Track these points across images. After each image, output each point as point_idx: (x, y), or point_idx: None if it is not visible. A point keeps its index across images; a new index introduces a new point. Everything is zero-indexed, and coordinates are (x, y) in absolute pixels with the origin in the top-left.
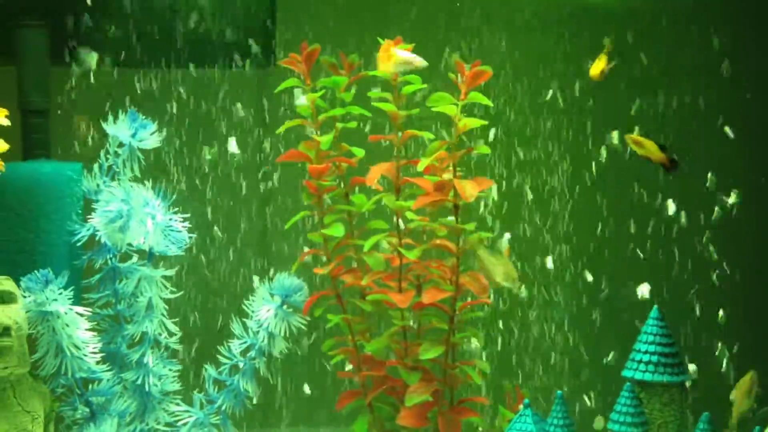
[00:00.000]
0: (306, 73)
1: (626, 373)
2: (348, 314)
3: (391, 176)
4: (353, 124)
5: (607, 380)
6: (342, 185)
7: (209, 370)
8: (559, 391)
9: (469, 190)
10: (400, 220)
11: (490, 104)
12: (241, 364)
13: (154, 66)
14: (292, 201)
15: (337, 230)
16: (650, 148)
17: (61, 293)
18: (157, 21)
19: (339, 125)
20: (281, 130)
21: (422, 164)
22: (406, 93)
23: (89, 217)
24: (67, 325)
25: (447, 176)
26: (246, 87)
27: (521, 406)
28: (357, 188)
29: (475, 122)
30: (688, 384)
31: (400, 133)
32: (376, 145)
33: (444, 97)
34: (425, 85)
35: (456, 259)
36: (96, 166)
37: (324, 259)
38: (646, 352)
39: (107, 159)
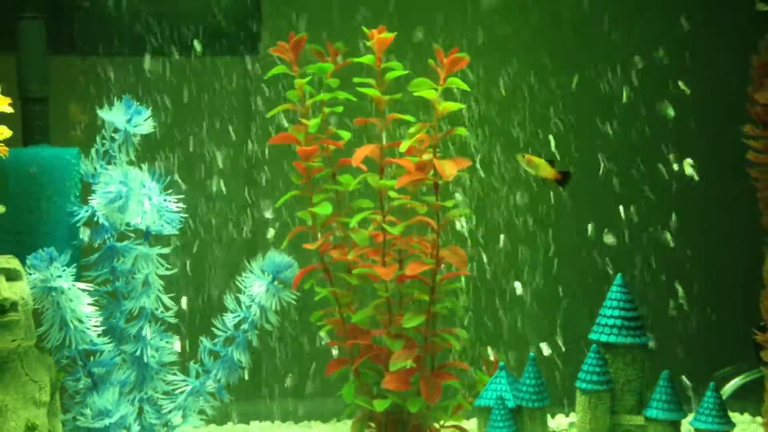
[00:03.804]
0: (293, 61)
1: (592, 335)
2: (335, 287)
3: (375, 157)
4: (340, 109)
5: None
6: (330, 166)
7: (204, 342)
8: (531, 353)
9: (448, 169)
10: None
11: (468, 89)
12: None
13: (140, 54)
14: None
15: (325, 208)
16: (542, 166)
17: (64, 270)
18: (142, 9)
19: (326, 109)
20: (272, 114)
21: (404, 145)
22: (389, 79)
23: (89, 198)
24: (71, 300)
25: (427, 156)
26: (232, 75)
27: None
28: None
29: (454, 106)
30: (650, 345)
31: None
32: (363, 127)
33: (425, 82)
34: (407, 71)
35: (436, 235)
36: (93, 151)
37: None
38: (610, 317)
39: (103, 144)
